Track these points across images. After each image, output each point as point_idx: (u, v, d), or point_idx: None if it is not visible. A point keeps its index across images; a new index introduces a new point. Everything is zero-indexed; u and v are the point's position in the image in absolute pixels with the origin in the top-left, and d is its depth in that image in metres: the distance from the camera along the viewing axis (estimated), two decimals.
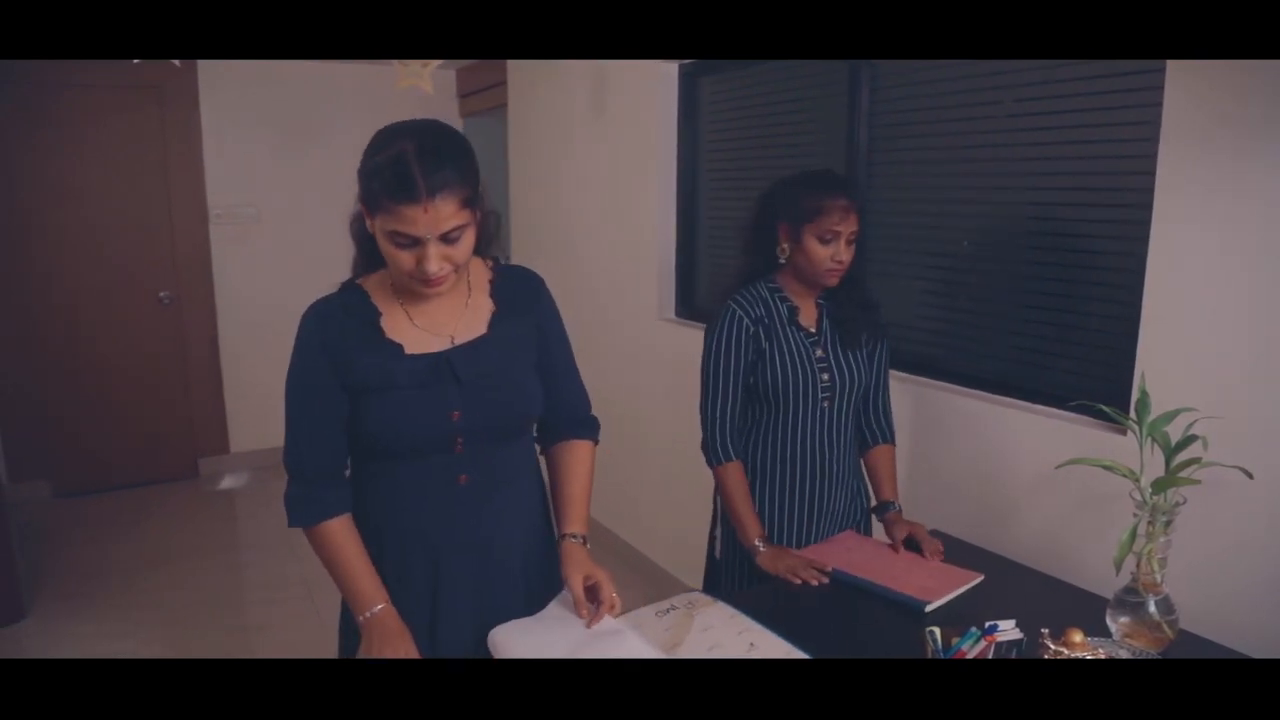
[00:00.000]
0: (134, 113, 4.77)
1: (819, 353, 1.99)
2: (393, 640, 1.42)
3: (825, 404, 2.00)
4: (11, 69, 4.39)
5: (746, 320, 1.97)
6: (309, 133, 5.15)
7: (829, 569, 1.83)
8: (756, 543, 1.93)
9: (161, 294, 4.97)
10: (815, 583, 1.81)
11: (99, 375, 4.86)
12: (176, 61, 4.55)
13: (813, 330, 2.00)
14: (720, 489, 2.02)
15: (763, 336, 1.97)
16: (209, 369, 5.15)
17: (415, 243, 1.32)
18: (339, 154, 5.26)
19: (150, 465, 5.06)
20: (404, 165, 1.28)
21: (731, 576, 2.08)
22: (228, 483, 5.15)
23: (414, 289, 1.41)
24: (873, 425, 2.12)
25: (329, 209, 5.08)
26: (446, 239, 1.33)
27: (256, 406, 5.19)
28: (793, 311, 2.00)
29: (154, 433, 5.05)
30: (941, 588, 1.75)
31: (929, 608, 1.68)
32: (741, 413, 2.02)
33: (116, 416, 4.93)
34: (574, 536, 1.58)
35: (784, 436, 2.01)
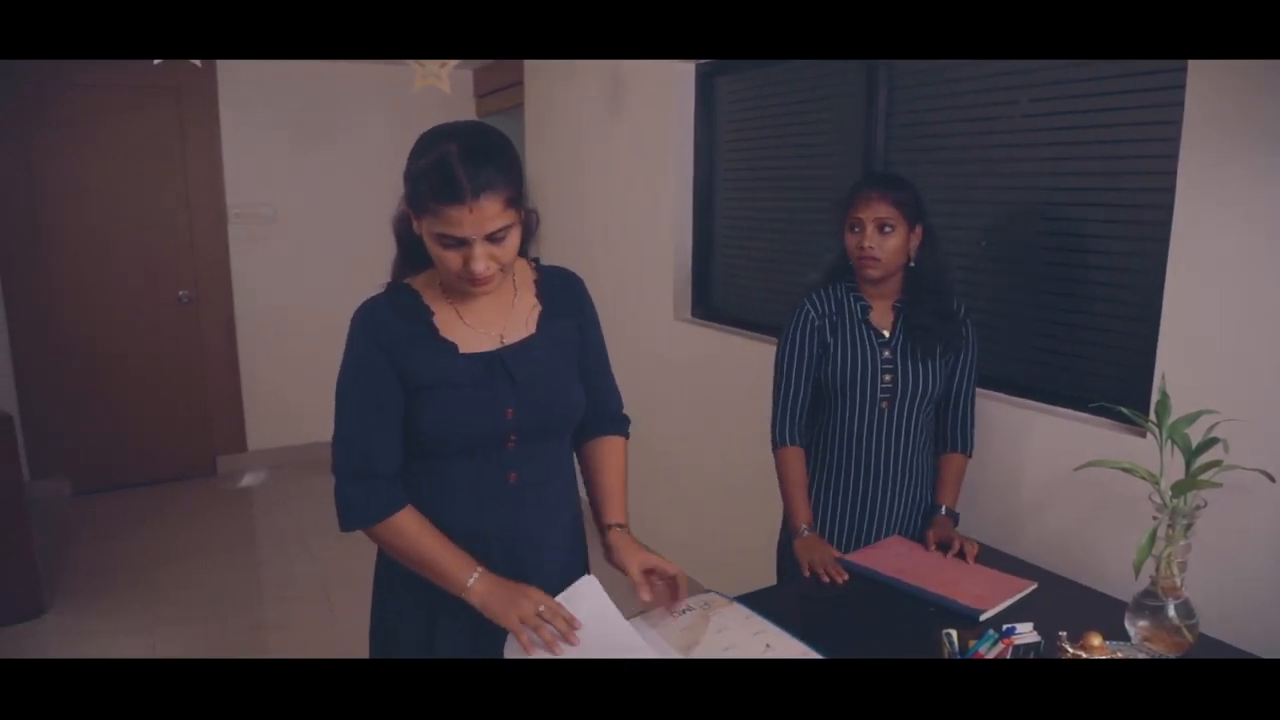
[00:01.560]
0: (154, 113, 4.81)
1: (886, 354, 2.01)
2: (516, 596, 1.43)
3: (884, 405, 2.01)
4: (32, 69, 4.44)
5: (813, 314, 2.05)
6: (327, 133, 5.17)
7: (845, 576, 1.88)
8: (802, 527, 2.03)
9: (180, 293, 5.00)
10: (825, 579, 1.87)
11: (118, 373, 4.90)
12: (196, 62, 4.59)
13: (885, 332, 2.02)
14: (777, 473, 2.10)
15: (828, 331, 2.04)
16: (227, 367, 5.18)
17: (461, 243, 1.34)
18: (357, 154, 5.32)
19: (169, 463, 5.10)
20: (448, 167, 1.30)
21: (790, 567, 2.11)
22: (246, 481, 5.17)
23: (462, 288, 1.43)
24: (947, 432, 2.10)
25: (346, 209, 5.16)
26: (492, 239, 1.35)
27: (274, 405, 5.21)
28: (865, 310, 2.04)
29: (172, 431, 5.09)
30: (995, 596, 1.74)
31: (983, 616, 1.67)
32: (813, 405, 2.10)
33: (135, 414, 4.97)
34: (621, 526, 1.61)
35: (842, 432, 2.05)
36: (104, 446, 4.91)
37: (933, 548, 1.95)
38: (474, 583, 1.44)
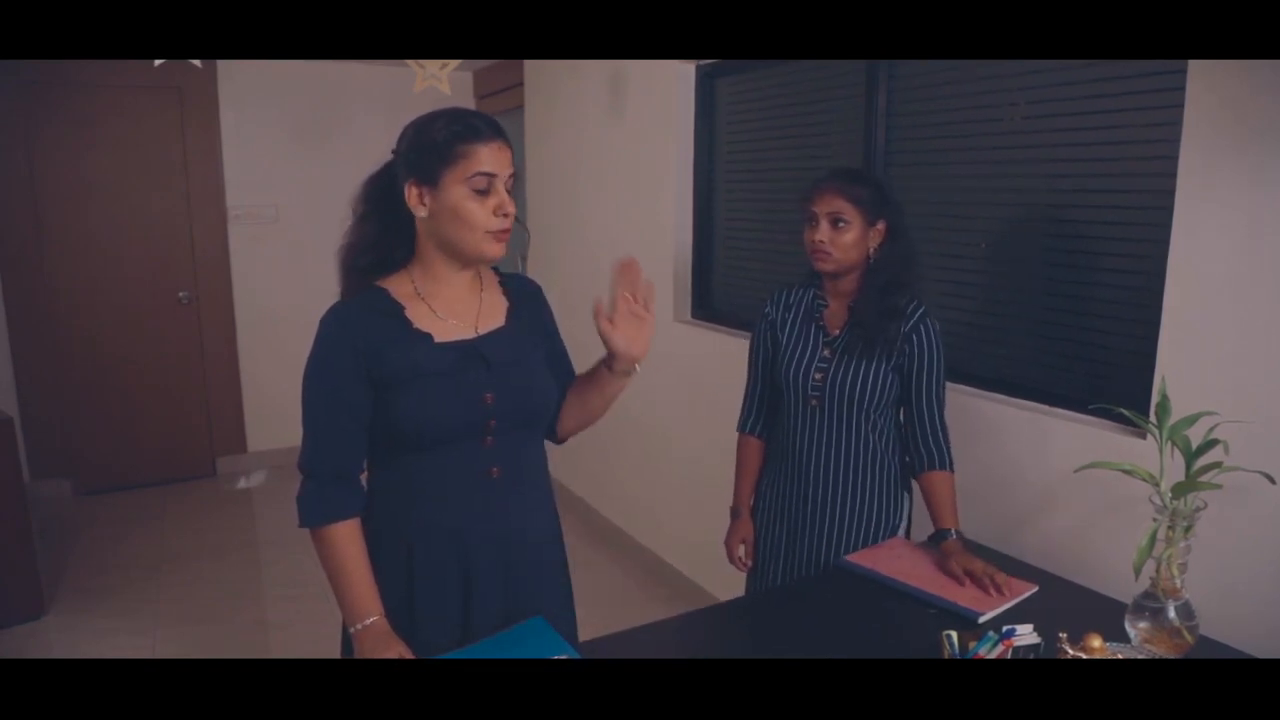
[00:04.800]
0: (154, 113, 4.81)
1: (825, 352, 2.00)
2: (389, 649, 1.43)
3: (814, 403, 2.01)
4: (33, 69, 4.44)
5: (769, 309, 2.12)
6: (327, 133, 5.17)
7: (749, 564, 2.18)
8: (740, 509, 2.19)
9: (181, 293, 5.00)
10: (738, 566, 2.19)
11: (119, 374, 4.90)
12: (197, 62, 4.59)
13: (834, 331, 2.01)
14: None
15: (779, 327, 2.08)
16: (227, 368, 5.18)
17: (488, 187, 1.43)
18: (357, 154, 5.27)
19: (169, 464, 5.10)
20: (469, 115, 1.45)
21: None
22: (245, 481, 5.18)
23: (481, 251, 1.46)
24: (920, 448, 1.99)
25: (346, 210, 5.13)
26: (507, 188, 1.45)
27: (273, 406, 5.21)
28: (819, 308, 2.04)
29: (173, 431, 5.09)
30: (994, 598, 1.73)
31: (981, 619, 1.67)
32: (773, 397, 2.15)
33: (136, 415, 4.97)
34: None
35: (784, 427, 2.09)
36: (104, 447, 4.91)
37: (966, 582, 1.80)
38: (365, 626, 1.46)
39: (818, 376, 1.99)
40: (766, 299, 2.13)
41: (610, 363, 1.55)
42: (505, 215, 1.44)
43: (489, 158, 1.42)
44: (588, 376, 1.64)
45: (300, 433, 1.51)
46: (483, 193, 1.42)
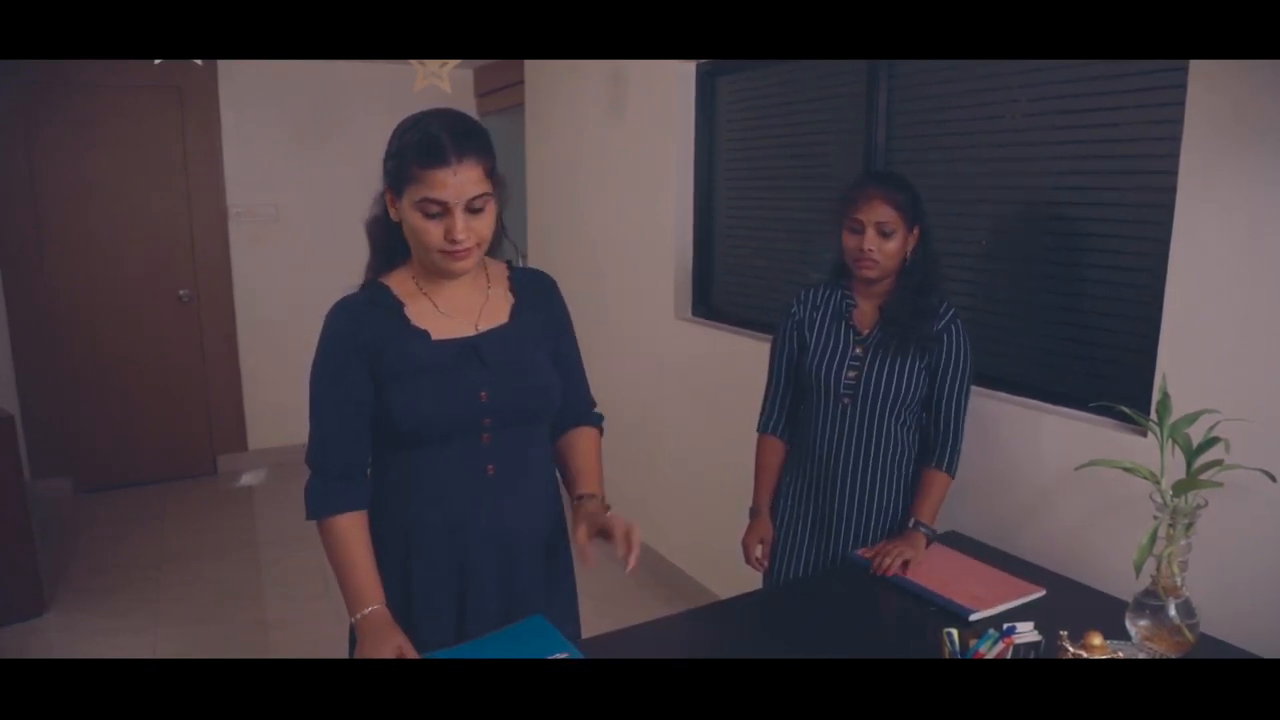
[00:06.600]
0: (154, 113, 4.81)
1: (856, 351, 2.00)
2: (389, 638, 1.43)
3: (846, 401, 2.01)
4: (34, 69, 4.44)
5: (795, 308, 2.12)
6: (327, 133, 5.17)
7: (766, 564, 2.16)
8: (762, 510, 2.18)
9: (181, 292, 5.01)
10: (754, 566, 2.16)
11: (119, 372, 4.91)
12: (197, 62, 4.59)
13: (864, 331, 2.02)
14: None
15: (806, 327, 2.07)
16: (227, 366, 5.19)
17: (443, 212, 1.38)
18: (357, 154, 5.30)
19: (170, 462, 5.10)
20: (432, 133, 1.37)
21: None
22: (246, 479, 5.18)
23: (442, 266, 1.45)
24: (931, 443, 2.04)
25: (346, 208, 5.09)
26: (471, 208, 1.40)
27: (274, 404, 5.22)
28: (849, 308, 2.04)
29: (173, 430, 5.09)
30: (993, 598, 1.74)
31: (974, 617, 1.67)
32: (796, 397, 2.15)
33: (136, 413, 4.98)
34: (590, 496, 1.62)
35: (809, 426, 2.08)
36: (105, 446, 4.92)
37: (891, 572, 1.84)
38: (365, 615, 1.46)
39: (851, 375, 2.00)
40: (792, 302, 2.13)
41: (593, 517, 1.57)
42: (453, 242, 1.40)
43: (446, 183, 1.36)
44: (570, 488, 1.67)
45: (302, 429, 1.52)
46: (434, 216, 1.39)
